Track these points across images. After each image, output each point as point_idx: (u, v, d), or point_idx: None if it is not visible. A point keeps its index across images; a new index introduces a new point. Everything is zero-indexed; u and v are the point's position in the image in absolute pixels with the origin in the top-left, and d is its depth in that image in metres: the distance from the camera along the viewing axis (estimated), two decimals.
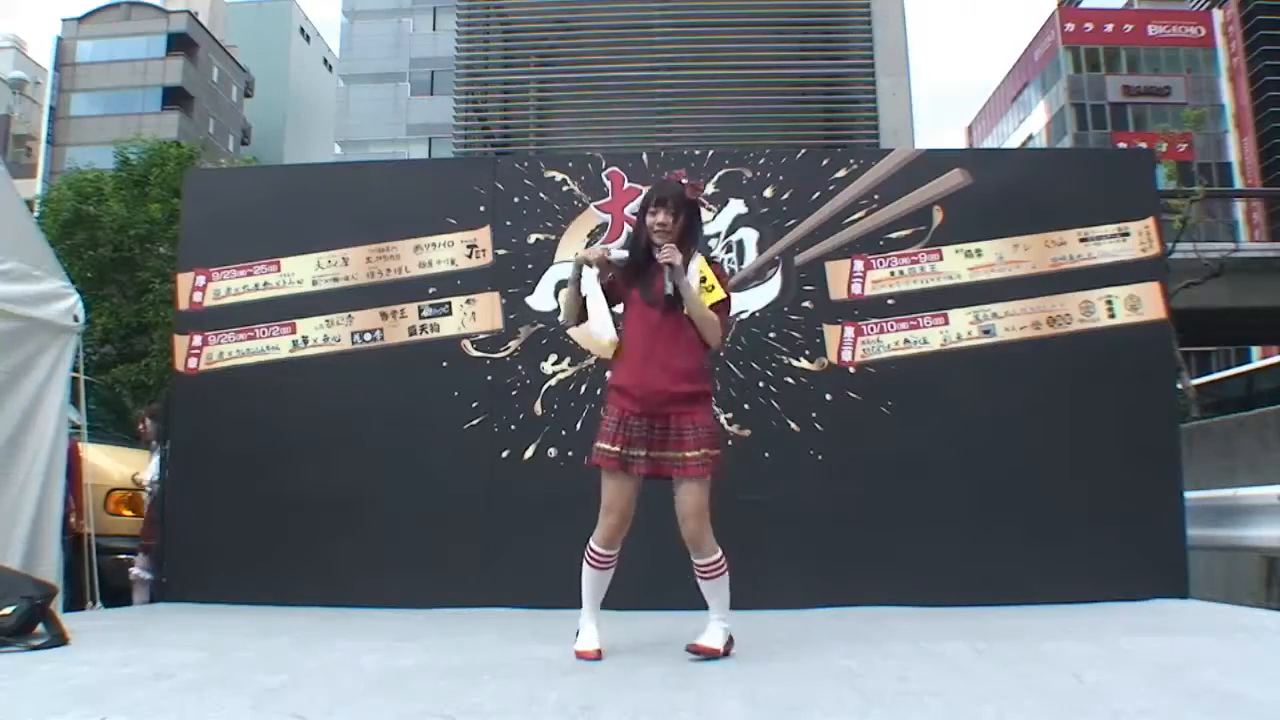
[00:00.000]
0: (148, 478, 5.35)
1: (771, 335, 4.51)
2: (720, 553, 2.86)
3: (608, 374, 3.04)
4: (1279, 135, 34.28)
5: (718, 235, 4.62)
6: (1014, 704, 2.10)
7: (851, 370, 4.45)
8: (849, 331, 4.49)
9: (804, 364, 4.47)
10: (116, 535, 5.29)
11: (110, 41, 37.32)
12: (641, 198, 3.08)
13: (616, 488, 2.85)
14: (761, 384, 4.46)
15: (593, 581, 2.91)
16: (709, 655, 2.75)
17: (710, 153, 4.80)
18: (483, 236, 4.66)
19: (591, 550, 2.89)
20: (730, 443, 4.38)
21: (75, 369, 4.66)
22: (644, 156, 4.84)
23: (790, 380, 4.46)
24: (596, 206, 4.66)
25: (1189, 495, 4.45)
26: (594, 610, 2.91)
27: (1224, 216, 30.91)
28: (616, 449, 2.83)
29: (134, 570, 5.13)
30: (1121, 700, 2.10)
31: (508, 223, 4.67)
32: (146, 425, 5.62)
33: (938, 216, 4.56)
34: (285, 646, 3.14)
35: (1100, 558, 4.18)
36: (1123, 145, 28.39)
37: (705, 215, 4.62)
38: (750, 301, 4.55)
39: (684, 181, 2.98)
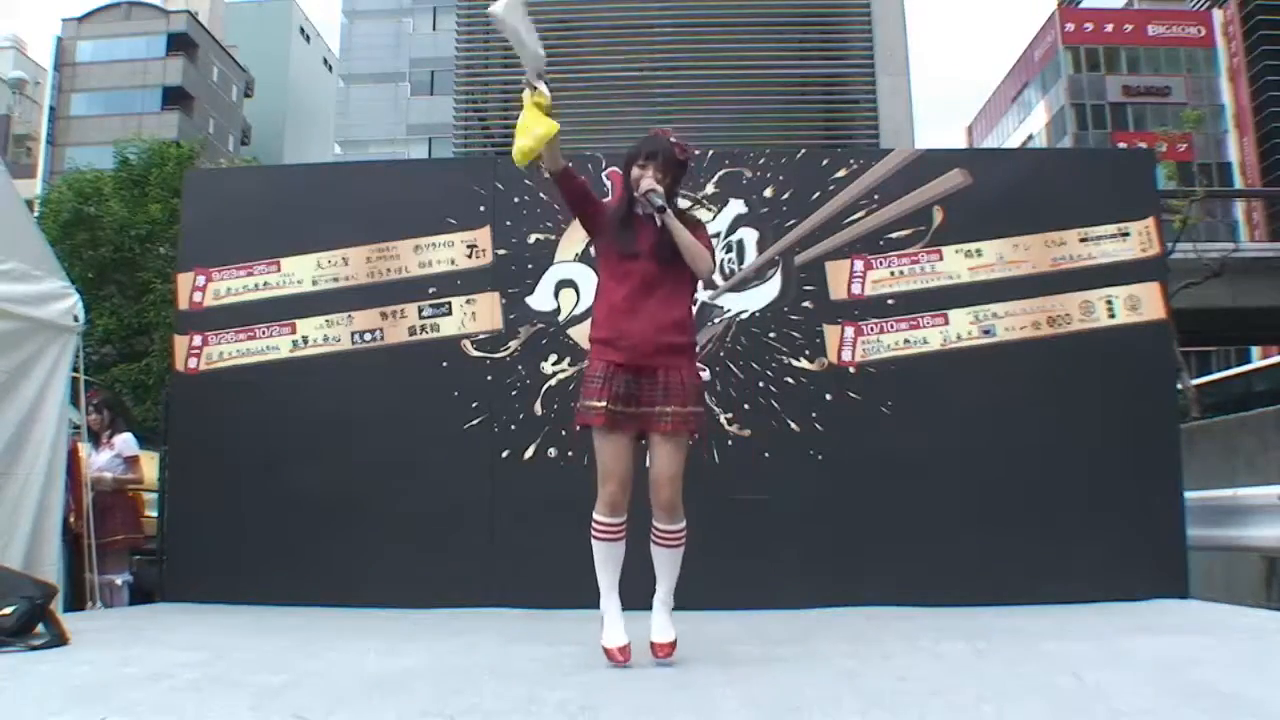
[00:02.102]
0: (103, 473, 5.04)
1: (771, 335, 4.51)
2: (685, 523, 2.74)
3: (589, 330, 2.91)
4: (1279, 135, 34.27)
5: (718, 235, 4.62)
6: (1014, 704, 2.10)
7: (851, 370, 4.45)
8: (849, 331, 4.49)
9: (804, 364, 4.47)
10: None
11: (110, 41, 37.31)
12: (627, 153, 2.91)
13: (612, 449, 2.69)
14: (761, 384, 4.46)
15: (605, 555, 2.70)
16: (669, 653, 2.64)
17: (710, 153, 4.80)
18: (483, 236, 4.66)
19: (596, 522, 2.70)
20: (730, 443, 4.39)
21: (75, 369, 4.66)
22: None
23: (790, 380, 4.46)
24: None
25: (1189, 495, 4.45)
26: (613, 590, 2.70)
27: (1224, 216, 30.91)
28: (603, 404, 2.66)
29: (104, 576, 4.75)
30: (1121, 700, 2.09)
31: (508, 223, 4.67)
32: (92, 416, 5.18)
33: (938, 216, 4.56)
34: (285, 646, 3.13)
35: (1100, 558, 4.18)
36: (1123, 145, 28.39)
37: (705, 215, 4.63)
38: (750, 301, 4.55)
39: (673, 140, 2.88)
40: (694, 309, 2.94)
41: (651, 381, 2.72)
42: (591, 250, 4.51)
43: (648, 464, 2.77)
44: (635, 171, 2.82)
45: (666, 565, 2.75)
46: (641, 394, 2.71)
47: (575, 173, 2.89)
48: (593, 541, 2.73)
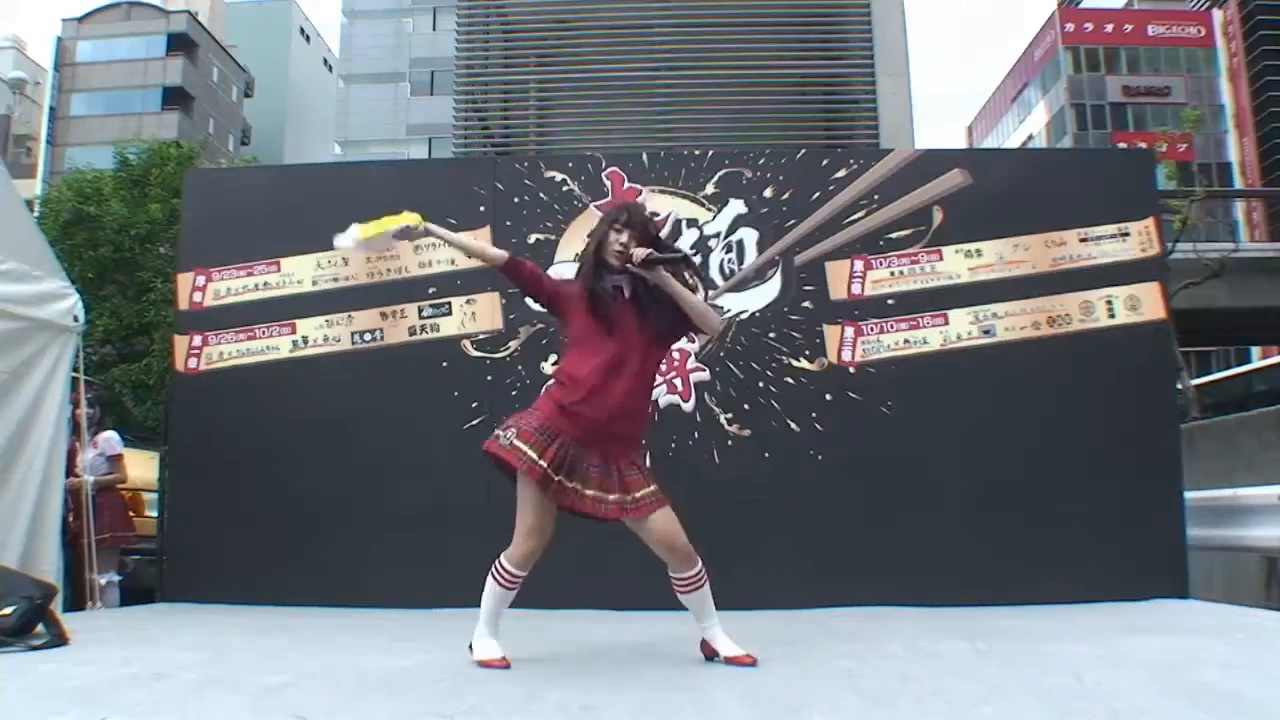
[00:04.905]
0: (88, 473, 4.91)
1: (771, 335, 4.51)
2: (700, 563, 2.70)
3: (551, 383, 2.88)
4: (1279, 135, 34.27)
5: (718, 235, 4.63)
6: (1014, 704, 2.10)
7: (851, 370, 4.45)
8: (849, 331, 4.49)
9: (804, 364, 4.47)
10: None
11: (110, 41, 37.30)
12: (603, 217, 2.89)
13: (542, 507, 2.66)
14: (761, 384, 4.46)
15: (500, 600, 2.75)
16: (752, 659, 2.63)
17: (710, 153, 4.80)
18: (483, 236, 4.65)
19: (505, 569, 2.71)
20: (730, 443, 4.39)
21: (75, 369, 4.65)
22: (644, 156, 4.84)
23: (790, 380, 4.46)
24: (596, 206, 4.66)
25: (1189, 495, 4.45)
26: (495, 623, 2.75)
27: (1224, 216, 30.88)
28: (544, 464, 2.60)
29: (93, 575, 4.67)
30: (1121, 700, 2.09)
31: (508, 223, 4.67)
32: (83, 411, 4.94)
33: (938, 216, 4.56)
34: (285, 646, 3.14)
35: (1100, 558, 4.18)
36: (1123, 145, 28.38)
37: (705, 215, 4.64)
38: (750, 301, 4.55)
39: (648, 213, 2.90)
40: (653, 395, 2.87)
41: (601, 466, 2.66)
42: None
43: (647, 537, 2.67)
44: (613, 236, 2.76)
45: (697, 605, 2.72)
46: (585, 471, 2.65)
47: (521, 260, 2.89)
48: (492, 583, 2.74)
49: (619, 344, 2.70)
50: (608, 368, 2.68)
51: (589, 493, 2.65)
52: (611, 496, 2.65)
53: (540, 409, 2.75)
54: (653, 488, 2.69)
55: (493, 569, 2.76)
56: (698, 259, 4.58)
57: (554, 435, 2.65)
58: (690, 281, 2.81)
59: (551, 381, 2.83)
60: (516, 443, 2.65)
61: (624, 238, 2.75)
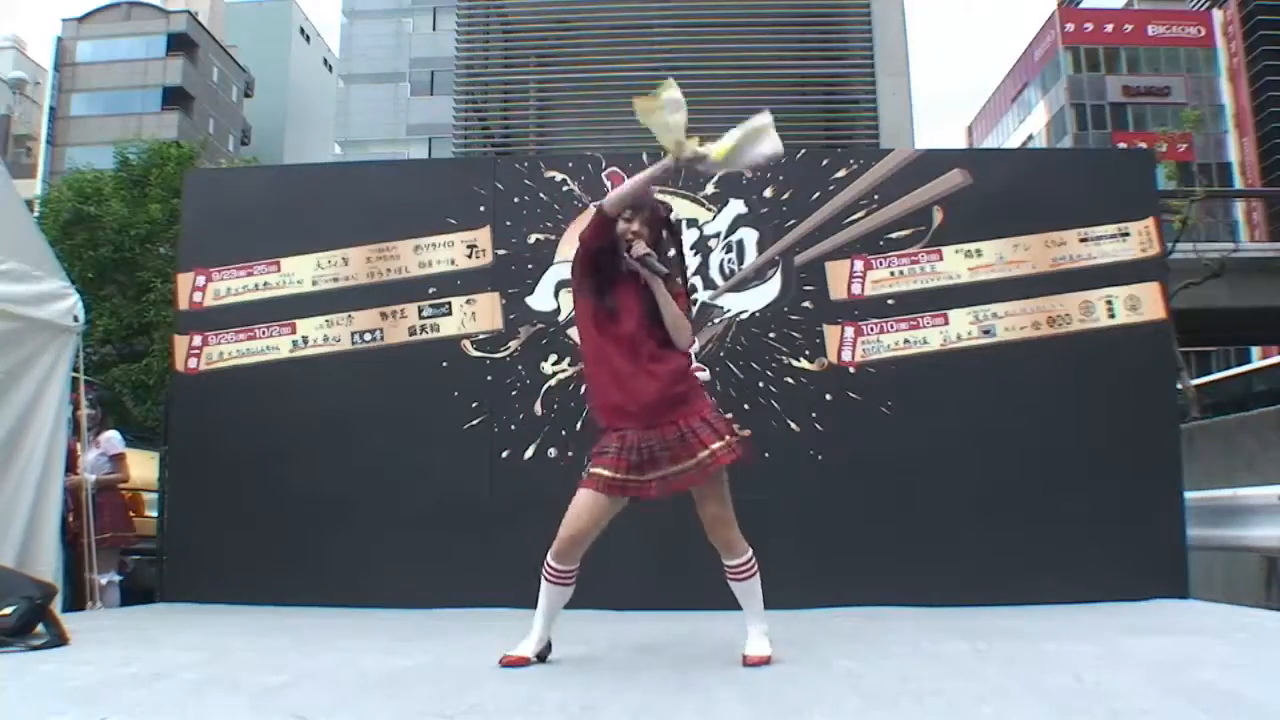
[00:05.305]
0: (90, 473, 4.88)
1: (771, 335, 4.51)
2: (751, 551, 2.75)
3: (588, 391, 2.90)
4: (1279, 135, 34.27)
5: (718, 235, 4.63)
6: (1014, 704, 2.10)
7: (851, 370, 4.45)
8: (849, 331, 4.49)
9: (804, 364, 4.47)
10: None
11: (110, 41, 37.32)
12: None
13: (600, 513, 2.66)
14: (761, 384, 4.46)
15: (548, 599, 2.73)
16: (762, 664, 2.63)
17: None
18: (483, 236, 4.66)
19: (551, 567, 2.71)
20: None
21: (75, 369, 4.65)
22: (644, 156, 4.83)
23: (790, 380, 4.46)
24: (596, 207, 4.65)
25: (1189, 495, 4.45)
26: (550, 618, 2.74)
27: (1224, 216, 30.89)
28: (621, 476, 2.63)
29: (93, 575, 4.65)
30: (1121, 700, 2.09)
31: (508, 223, 4.67)
32: (83, 411, 4.88)
33: (938, 216, 4.56)
34: (285, 646, 3.14)
35: (1100, 558, 4.18)
36: (1123, 145, 28.37)
37: (705, 215, 4.64)
38: (750, 301, 4.55)
39: (657, 198, 2.92)
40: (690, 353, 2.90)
41: (675, 436, 2.67)
42: None
43: (698, 509, 2.74)
44: (621, 225, 2.79)
45: (744, 595, 2.76)
46: (661, 454, 2.66)
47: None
48: (544, 583, 2.73)
49: (631, 322, 2.73)
50: (629, 347, 2.72)
51: (670, 471, 2.66)
52: (689, 463, 2.66)
53: (603, 427, 2.78)
54: (724, 441, 2.68)
55: (544, 568, 2.74)
56: (698, 259, 4.59)
57: (622, 445, 2.67)
58: (676, 284, 2.82)
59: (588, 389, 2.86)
60: (594, 471, 2.68)
61: (635, 225, 2.79)
